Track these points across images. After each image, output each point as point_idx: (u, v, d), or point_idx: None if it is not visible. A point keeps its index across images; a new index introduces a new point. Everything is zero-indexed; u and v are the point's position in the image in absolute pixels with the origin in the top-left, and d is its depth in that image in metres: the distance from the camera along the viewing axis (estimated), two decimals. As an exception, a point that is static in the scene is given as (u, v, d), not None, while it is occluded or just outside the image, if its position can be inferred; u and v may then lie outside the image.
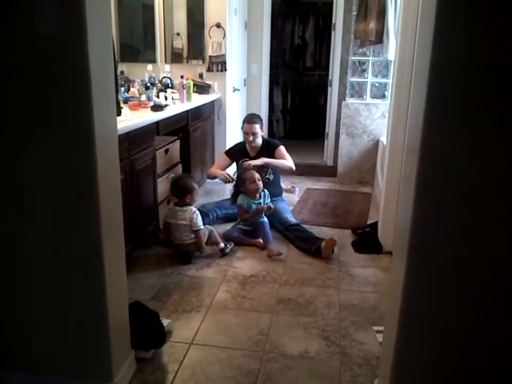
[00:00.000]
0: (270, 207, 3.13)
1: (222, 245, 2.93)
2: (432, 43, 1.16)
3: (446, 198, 1.27)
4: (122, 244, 1.72)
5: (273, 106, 6.55)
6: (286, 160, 3.52)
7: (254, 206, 3.14)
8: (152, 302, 2.32)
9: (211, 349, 2.00)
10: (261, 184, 3.17)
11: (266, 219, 3.15)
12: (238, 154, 3.61)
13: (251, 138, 3.49)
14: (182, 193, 2.89)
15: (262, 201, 3.18)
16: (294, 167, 3.53)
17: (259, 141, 3.55)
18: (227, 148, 3.89)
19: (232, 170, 3.77)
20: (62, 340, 1.65)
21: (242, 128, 3.57)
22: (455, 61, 1.17)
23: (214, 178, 3.67)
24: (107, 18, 1.52)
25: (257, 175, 3.16)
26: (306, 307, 2.35)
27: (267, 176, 3.49)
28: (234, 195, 3.39)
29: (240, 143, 3.71)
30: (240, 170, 3.47)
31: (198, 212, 2.88)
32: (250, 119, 3.55)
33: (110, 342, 1.61)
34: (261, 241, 3.07)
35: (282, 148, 3.58)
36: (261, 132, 3.55)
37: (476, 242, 1.29)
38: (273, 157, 3.51)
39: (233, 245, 2.99)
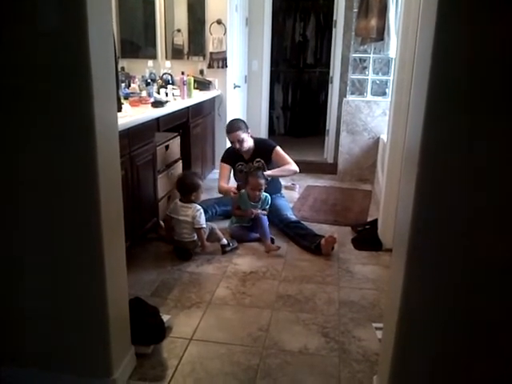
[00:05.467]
0: (257, 214, 3.07)
1: (225, 240, 2.92)
2: (433, 40, 1.16)
3: (445, 196, 1.27)
4: (123, 240, 1.72)
5: (273, 103, 6.55)
6: (288, 163, 3.41)
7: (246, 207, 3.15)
8: (152, 298, 2.32)
9: (211, 345, 2.01)
10: (262, 193, 3.15)
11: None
12: (233, 158, 3.51)
13: (238, 146, 3.39)
14: (188, 190, 2.89)
15: (258, 205, 3.16)
16: (297, 169, 3.43)
17: (249, 143, 3.43)
18: (222, 156, 3.66)
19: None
20: (61, 335, 1.66)
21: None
22: (456, 58, 1.17)
23: (225, 194, 3.47)
24: (108, 13, 1.52)
25: (261, 184, 3.11)
26: (306, 304, 2.36)
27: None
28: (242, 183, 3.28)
29: (230, 148, 3.56)
30: (236, 175, 3.48)
31: (201, 210, 2.87)
32: (230, 129, 3.40)
33: (110, 337, 1.62)
34: None
35: (279, 149, 3.46)
36: (247, 134, 3.41)
37: (476, 239, 1.29)
38: (269, 159, 3.43)
39: (236, 245, 2.97)
